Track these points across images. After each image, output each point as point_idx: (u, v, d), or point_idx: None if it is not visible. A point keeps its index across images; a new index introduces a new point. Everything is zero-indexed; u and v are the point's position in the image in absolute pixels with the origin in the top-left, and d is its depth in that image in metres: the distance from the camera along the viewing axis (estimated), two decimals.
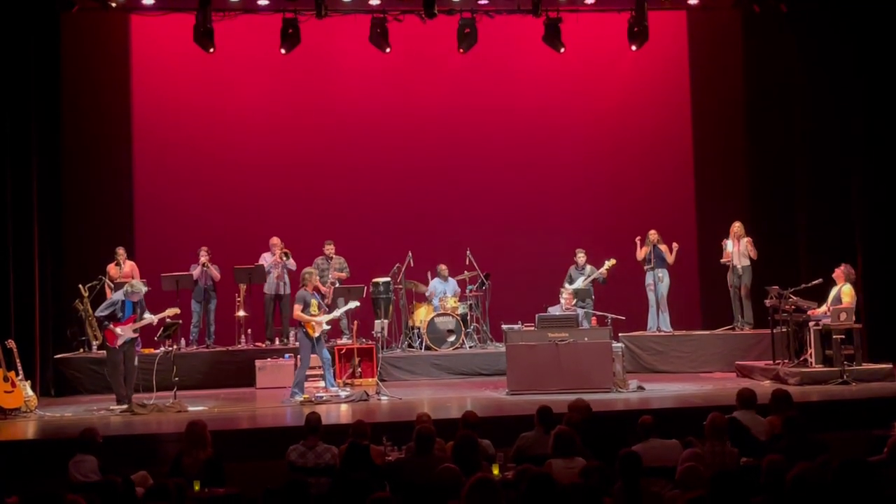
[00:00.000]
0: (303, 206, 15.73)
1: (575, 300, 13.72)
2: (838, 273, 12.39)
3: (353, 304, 12.95)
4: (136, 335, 11.72)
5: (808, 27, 14.10)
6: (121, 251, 13.99)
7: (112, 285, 13.44)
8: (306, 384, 12.09)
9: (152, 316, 11.72)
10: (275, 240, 14.43)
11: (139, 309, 11.63)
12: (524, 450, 7.62)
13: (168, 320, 12.00)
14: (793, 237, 14.58)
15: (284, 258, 14.21)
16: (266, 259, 14.34)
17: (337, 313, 12.93)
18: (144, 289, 11.85)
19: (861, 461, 5.29)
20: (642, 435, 7.24)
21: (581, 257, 14.62)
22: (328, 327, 12.48)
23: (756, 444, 7.35)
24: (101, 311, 11.61)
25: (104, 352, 12.26)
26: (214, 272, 14.20)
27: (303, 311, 11.97)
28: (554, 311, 13.18)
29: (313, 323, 11.92)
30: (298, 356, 12.31)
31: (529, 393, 11.61)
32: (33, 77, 13.16)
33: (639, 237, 14.47)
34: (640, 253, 14.42)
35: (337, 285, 14.19)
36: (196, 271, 14.06)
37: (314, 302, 12.06)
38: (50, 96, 13.58)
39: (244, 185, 15.68)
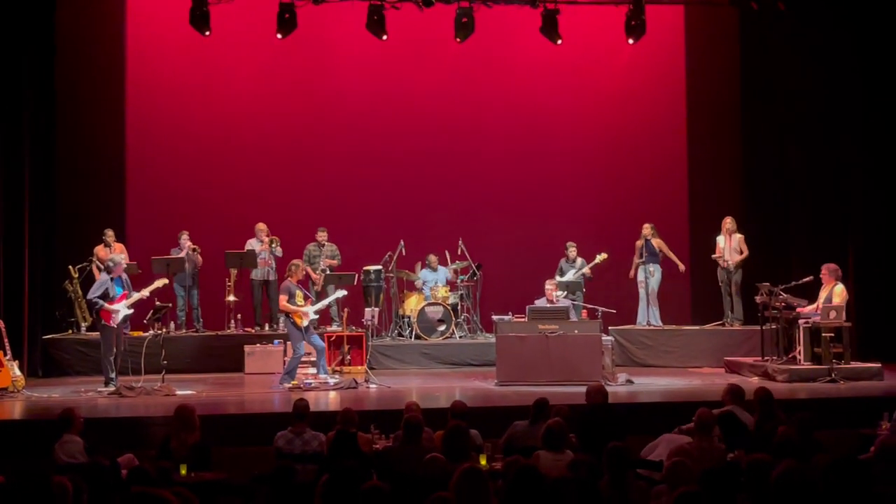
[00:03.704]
0: (295, 192, 15.68)
1: (564, 293, 13.68)
2: (825, 273, 12.34)
3: (340, 294, 12.99)
4: (131, 311, 11.70)
5: (806, 24, 14.08)
6: (109, 232, 13.92)
7: (101, 267, 13.37)
8: (297, 370, 12.07)
9: (143, 290, 11.75)
10: (260, 225, 14.37)
11: (127, 287, 11.65)
12: (514, 439, 7.63)
13: (158, 303, 12.03)
14: (785, 234, 14.59)
15: (272, 245, 14.15)
16: (252, 245, 14.29)
17: (324, 303, 12.95)
18: (121, 257, 11.90)
19: (852, 459, 5.29)
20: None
21: (572, 251, 14.56)
22: (316, 317, 12.45)
23: (751, 439, 7.33)
24: (94, 293, 11.56)
25: (93, 333, 12.19)
26: (198, 258, 14.13)
27: (288, 301, 11.97)
28: (539, 304, 13.12)
29: (300, 313, 11.92)
30: (289, 343, 12.32)
31: (518, 384, 11.64)
32: (27, 57, 13.09)
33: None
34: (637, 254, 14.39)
35: (328, 272, 14.17)
36: (181, 255, 13.98)
37: (299, 293, 12.05)
38: (44, 77, 13.53)
39: (237, 169, 15.62)
